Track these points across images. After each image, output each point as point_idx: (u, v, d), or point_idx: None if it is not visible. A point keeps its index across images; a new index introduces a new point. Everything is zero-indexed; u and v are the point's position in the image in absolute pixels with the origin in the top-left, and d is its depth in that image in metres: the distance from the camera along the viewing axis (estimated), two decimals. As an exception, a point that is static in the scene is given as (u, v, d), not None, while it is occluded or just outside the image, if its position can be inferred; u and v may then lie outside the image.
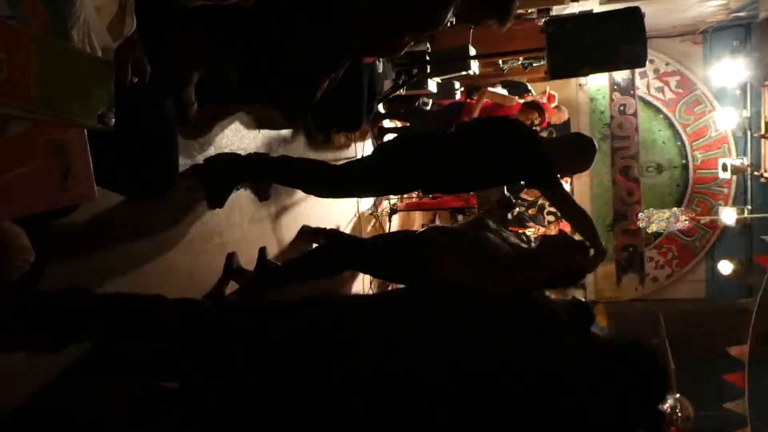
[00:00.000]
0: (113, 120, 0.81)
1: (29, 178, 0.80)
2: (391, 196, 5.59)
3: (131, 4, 1.12)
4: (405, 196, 5.89)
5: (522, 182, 3.29)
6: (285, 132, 3.48)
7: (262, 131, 3.15)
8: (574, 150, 3.00)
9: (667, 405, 6.78)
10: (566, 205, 3.04)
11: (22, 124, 0.76)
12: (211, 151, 2.63)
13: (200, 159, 2.54)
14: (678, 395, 7.16)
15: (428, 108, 5.81)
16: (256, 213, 3.06)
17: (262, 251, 3.02)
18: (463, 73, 5.24)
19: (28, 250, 1.27)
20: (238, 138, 2.90)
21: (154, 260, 2.18)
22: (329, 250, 3.17)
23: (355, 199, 4.82)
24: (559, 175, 2.96)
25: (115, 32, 1.09)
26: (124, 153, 1.26)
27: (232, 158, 2.69)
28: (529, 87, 6.26)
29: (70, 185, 0.85)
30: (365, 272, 3.64)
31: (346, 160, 3.57)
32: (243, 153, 2.84)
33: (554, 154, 2.89)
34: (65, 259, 1.66)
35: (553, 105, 5.89)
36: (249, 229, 2.97)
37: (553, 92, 6.09)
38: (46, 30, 0.77)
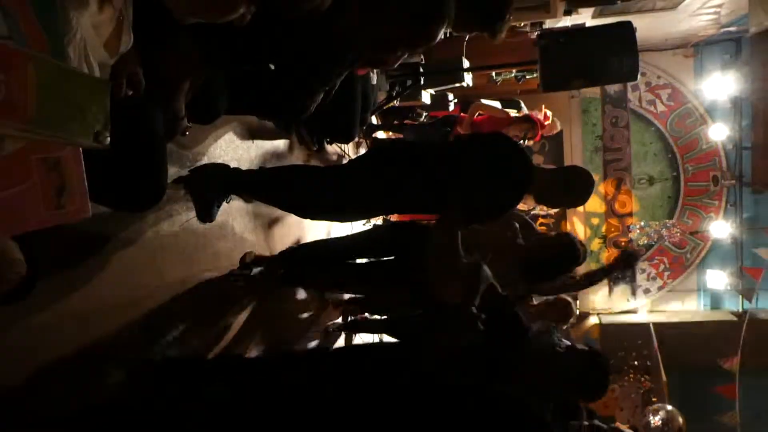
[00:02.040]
0: (108, 138, 0.82)
1: (24, 196, 0.80)
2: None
3: (128, 21, 1.13)
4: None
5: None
6: (278, 142, 3.49)
7: (255, 141, 3.16)
8: (573, 184, 2.82)
9: (658, 418, 6.80)
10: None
11: (17, 142, 0.77)
12: (205, 162, 2.63)
13: (183, 173, 2.53)
14: (669, 407, 7.17)
15: (422, 120, 5.83)
16: (249, 223, 3.06)
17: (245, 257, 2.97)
18: (457, 84, 5.27)
19: (20, 263, 1.26)
20: (232, 148, 2.90)
21: (147, 271, 2.17)
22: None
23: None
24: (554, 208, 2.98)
25: (112, 48, 1.10)
26: (109, 165, 1.25)
27: (218, 171, 2.62)
28: (523, 106, 6.28)
29: (64, 203, 0.85)
30: None
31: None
32: (235, 163, 2.83)
33: (549, 185, 2.76)
34: (58, 272, 1.66)
35: (547, 123, 5.91)
36: (242, 239, 2.97)
37: (548, 112, 6.11)
38: (43, 49, 0.78)
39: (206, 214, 2.53)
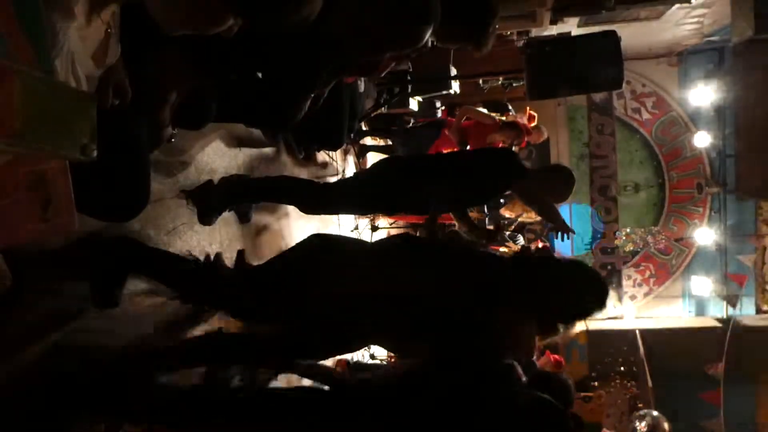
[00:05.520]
0: (95, 151, 0.82)
1: (10, 209, 0.80)
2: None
3: (116, 33, 1.13)
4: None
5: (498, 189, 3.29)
6: (266, 150, 3.49)
7: (243, 150, 3.15)
8: (554, 180, 3.06)
9: (644, 424, 6.84)
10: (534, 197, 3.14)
11: (3, 156, 0.76)
12: (192, 170, 2.62)
13: (181, 178, 2.53)
14: (655, 413, 7.21)
15: (409, 126, 5.85)
16: (236, 231, 3.05)
17: (241, 253, 3.00)
18: (444, 92, 5.30)
19: (5, 275, 1.25)
20: (219, 156, 2.89)
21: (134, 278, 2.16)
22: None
23: (335, 218, 4.83)
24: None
25: (99, 60, 1.10)
26: (94, 175, 1.25)
27: (224, 181, 2.77)
28: (510, 107, 6.34)
29: (50, 216, 0.84)
30: None
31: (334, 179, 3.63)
32: (222, 170, 2.86)
33: (536, 182, 2.96)
34: (44, 282, 1.64)
35: (533, 125, 5.95)
36: (230, 247, 2.95)
37: (533, 113, 6.16)
38: (30, 62, 0.77)
39: (207, 220, 2.64)
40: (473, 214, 5.09)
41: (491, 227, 4.76)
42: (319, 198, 3.03)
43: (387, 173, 3.03)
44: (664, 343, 8.04)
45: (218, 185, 2.73)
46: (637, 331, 8.30)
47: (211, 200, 2.65)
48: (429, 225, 3.29)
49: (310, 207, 3.13)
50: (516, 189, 3.12)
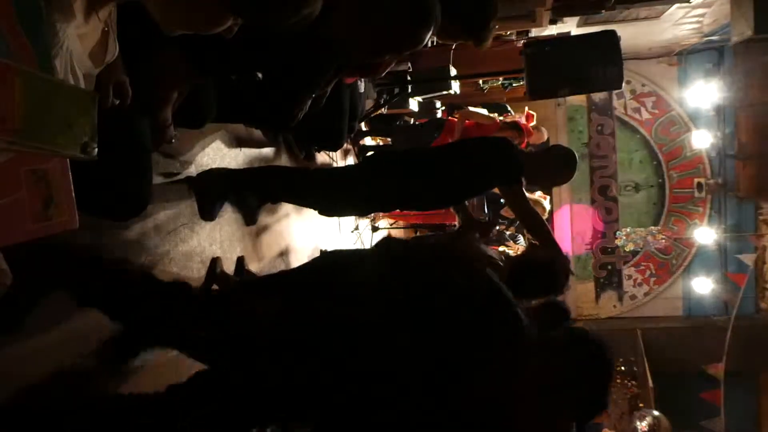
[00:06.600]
0: (96, 150, 0.82)
1: (11, 208, 0.80)
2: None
3: (114, 31, 1.13)
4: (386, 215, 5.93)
5: (490, 182, 3.17)
6: (266, 150, 3.49)
7: (243, 149, 3.15)
8: (556, 161, 3.01)
9: (645, 423, 6.85)
10: (522, 206, 3.01)
11: (4, 155, 0.77)
12: (192, 170, 2.62)
13: (181, 178, 2.53)
14: (656, 412, 7.22)
15: (409, 127, 5.86)
16: (237, 232, 3.05)
17: (241, 260, 3.00)
18: (444, 92, 5.31)
19: (5, 274, 1.25)
20: (219, 156, 2.89)
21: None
22: (324, 260, 3.04)
23: (335, 218, 4.83)
24: (539, 188, 3.00)
25: (97, 58, 1.10)
26: (94, 174, 1.25)
27: (225, 171, 2.74)
28: (509, 108, 6.36)
29: (51, 215, 0.85)
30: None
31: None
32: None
33: (536, 165, 2.91)
34: (43, 282, 1.64)
35: (532, 125, 5.96)
36: (230, 248, 2.95)
37: (532, 112, 6.18)
38: (30, 61, 0.78)
39: (208, 211, 2.61)
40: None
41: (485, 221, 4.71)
42: (314, 182, 2.97)
43: (377, 168, 3.01)
44: (664, 342, 8.05)
45: (216, 174, 2.68)
46: (638, 331, 8.30)
47: (210, 189, 2.63)
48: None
49: (298, 189, 3.02)
50: (505, 195, 3.03)
